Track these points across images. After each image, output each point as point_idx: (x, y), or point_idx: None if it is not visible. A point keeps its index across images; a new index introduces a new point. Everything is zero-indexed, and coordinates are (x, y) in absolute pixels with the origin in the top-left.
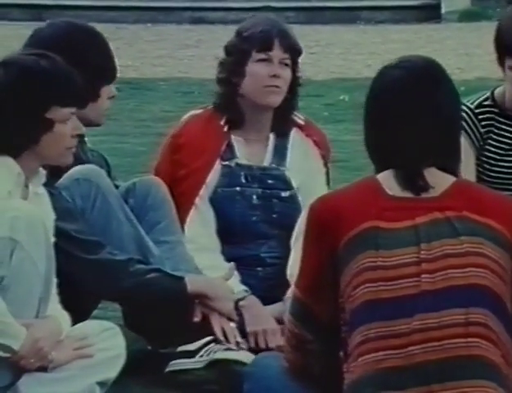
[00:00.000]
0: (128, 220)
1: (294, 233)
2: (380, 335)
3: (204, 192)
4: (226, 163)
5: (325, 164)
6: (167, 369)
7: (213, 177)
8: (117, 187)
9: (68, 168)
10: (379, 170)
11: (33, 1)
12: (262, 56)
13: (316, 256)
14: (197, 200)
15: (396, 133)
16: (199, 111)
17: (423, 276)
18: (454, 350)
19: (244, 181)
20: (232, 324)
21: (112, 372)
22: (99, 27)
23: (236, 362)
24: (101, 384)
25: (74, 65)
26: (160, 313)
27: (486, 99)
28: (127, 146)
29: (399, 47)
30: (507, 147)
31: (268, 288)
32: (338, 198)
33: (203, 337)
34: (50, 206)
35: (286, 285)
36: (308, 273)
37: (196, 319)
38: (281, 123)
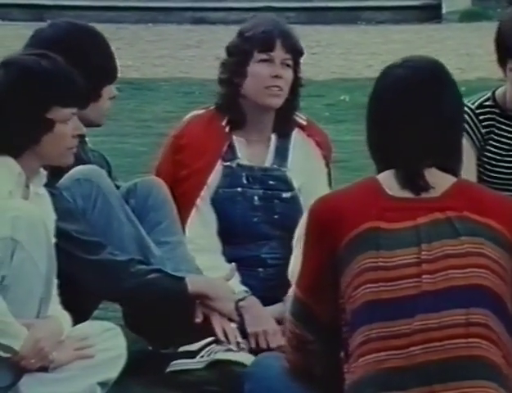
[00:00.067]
0: (129, 221)
1: (296, 234)
2: (381, 335)
3: (206, 193)
4: (228, 163)
5: (327, 165)
6: (168, 369)
7: (215, 177)
8: (118, 187)
9: (69, 168)
10: (380, 170)
11: (34, 1)
12: (264, 56)
13: (316, 257)
14: (198, 200)
15: (398, 133)
16: (200, 112)
17: (423, 276)
18: (455, 351)
19: (245, 182)
20: (233, 325)
21: (113, 373)
22: (100, 27)
23: (236, 363)
24: (101, 384)
25: (75, 66)
26: (161, 314)
27: (487, 99)
28: (127, 147)
29: (400, 48)
30: (508, 148)
31: (269, 289)
32: (338, 198)
33: (204, 338)
34: (51, 207)
35: (287, 286)
36: (309, 274)
37: (198, 320)
38: (283, 123)
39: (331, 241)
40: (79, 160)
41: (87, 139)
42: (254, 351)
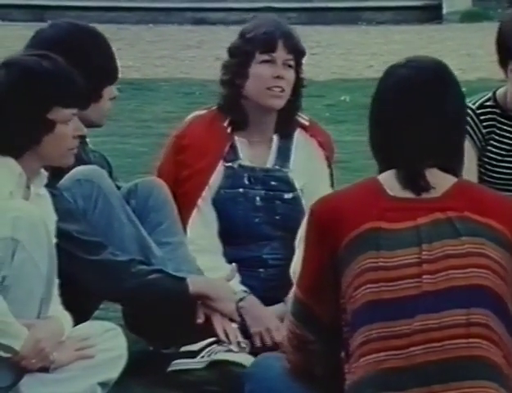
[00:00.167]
0: (130, 221)
1: (299, 234)
2: (382, 335)
3: (207, 194)
4: (230, 164)
5: (329, 166)
6: (168, 369)
7: (216, 178)
8: (119, 187)
9: (69, 169)
10: (382, 170)
11: (35, 1)
12: (266, 57)
13: (317, 257)
14: (199, 201)
15: (401, 133)
16: (202, 112)
17: (424, 277)
18: (455, 351)
19: (247, 182)
20: (234, 325)
21: (114, 373)
22: (100, 28)
23: (236, 364)
24: (102, 384)
25: (76, 66)
26: (162, 314)
27: (488, 100)
28: (128, 147)
29: (401, 48)
30: (509, 148)
31: (269, 289)
32: (339, 199)
33: (205, 338)
34: (51, 207)
35: (288, 286)
36: (309, 274)
37: (199, 321)
38: (285, 124)
39: (332, 242)
40: (80, 161)
41: (87, 140)
42: (256, 352)
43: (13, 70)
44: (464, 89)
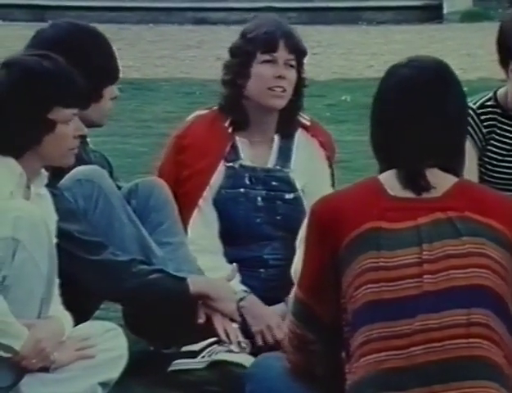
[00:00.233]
0: (131, 221)
1: (300, 234)
2: (382, 335)
3: (208, 194)
4: (231, 164)
5: (331, 166)
6: (169, 369)
7: (217, 178)
8: (119, 187)
9: (70, 168)
10: (383, 170)
11: (35, 1)
12: (267, 57)
13: (317, 257)
14: (200, 201)
15: (402, 133)
16: (204, 112)
17: (425, 277)
18: (456, 351)
19: (248, 182)
20: (235, 325)
21: (114, 373)
22: (101, 28)
23: (236, 364)
24: (103, 384)
25: (77, 66)
26: (163, 314)
27: (488, 99)
28: (128, 147)
29: (401, 48)
30: (509, 148)
31: (270, 289)
32: (339, 199)
33: (206, 338)
34: (52, 207)
35: (288, 286)
36: (310, 274)
37: (200, 321)
38: (286, 124)
39: (332, 242)
40: (81, 161)
41: (88, 140)
42: (258, 351)
43: (14, 70)
44: (464, 89)
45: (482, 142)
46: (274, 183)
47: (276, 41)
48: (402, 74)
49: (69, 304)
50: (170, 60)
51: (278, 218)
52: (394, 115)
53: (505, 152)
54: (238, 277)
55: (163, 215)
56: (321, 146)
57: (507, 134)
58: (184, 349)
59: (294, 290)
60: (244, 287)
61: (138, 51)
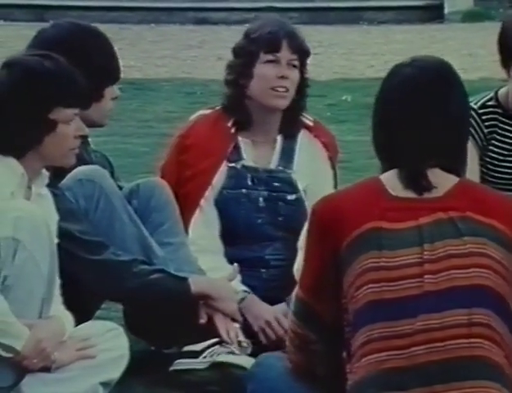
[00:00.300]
0: (132, 221)
1: (302, 235)
2: (383, 335)
3: (210, 194)
4: (233, 165)
5: (333, 167)
6: (171, 368)
7: (219, 178)
8: (120, 188)
9: (71, 169)
10: (385, 169)
11: (36, 1)
12: (270, 57)
13: (318, 257)
14: (202, 201)
15: (404, 133)
16: (207, 112)
17: (426, 276)
18: (457, 351)
19: (250, 183)
20: (236, 325)
21: (115, 373)
22: (102, 27)
23: (237, 366)
24: (104, 384)
25: (78, 66)
26: (164, 314)
27: (489, 99)
28: (129, 147)
29: (402, 48)
30: (510, 148)
31: (271, 289)
32: (340, 199)
33: (207, 338)
34: (53, 207)
35: (289, 287)
36: (311, 274)
37: (202, 321)
38: (289, 124)
39: (333, 241)
40: (82, 161)
41: (89, 140)
42: (260, 351)
43: (15, 70)
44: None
45: (484, 142)
46: (276, 184)
47: (279, 41)
48: (405, 73)
49: (70, 304)
50: (171, 60)
51: (280, 219)
52: (397, 114)
53: (506, 152)
54: (239, 278)
55: (164, 216)
56: (324, 147)
57: (508, 134)
58: (186, 349)
59: (296, 289)
60: (244, 287)
61: (139, 51)
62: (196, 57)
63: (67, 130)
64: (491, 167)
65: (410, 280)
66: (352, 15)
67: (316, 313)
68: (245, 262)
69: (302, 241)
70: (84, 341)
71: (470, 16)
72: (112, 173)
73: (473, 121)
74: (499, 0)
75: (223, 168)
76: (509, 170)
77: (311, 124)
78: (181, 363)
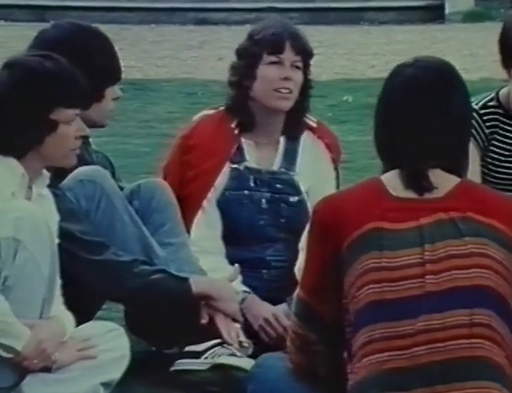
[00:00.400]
0: (133, 221)
1: (304, 236)
2: (385, 336)
3: (212, 195)
4: (236, 166)
5: (336, 168)
6: (172, 368)
7: (222, 179)
8: (121, 188)
9: (72, 169)
10: (387, 169)
11: (37, 2)
12: (274, 58)
13: (319, 257)
14: (205, 202)
15: (406, 133)
16: (210, 112)
17: (427, 277)
18: (458, 351)
19: (252, 185)
20: (237, 325)
21: (116, 373)
22: (103, 28)
23: (238, 368)
24: (105, 385)
25: (79, 66)
26: (165, 315)
27: (491, 100)
28: (130, 147)
29: (403, 48)
30: (511, 148)
31: (272, 290)
32: (341, 199)
33: (208, 339)
34: (54, 208)
35: (290, 287)
36: (312, 274)
37: (204, 321)
38: (293, 126)
39: (334, 242)
40: (83, 161)
41: (90, 140)
42: (261, 352)
43: (16, 71)
44: None
45: (485, 142)
46: (279, 186)
47: (283, 42)
48: (408, 74)
49: (71, 304)
50: (172, 60)
51: (282, 220)
52: (399, 114)
53: (507, 153)
54: (240, 278)
55: (166, 216)
56: (327, 148)
57: (509, 134)
58: (187, 349)
59: (297, 290)
60: (245, 288)
61: (140, 51)
62: (197, 58)
63: (68, 131)
64: (492, 167)
65: (412, 280)
66: (352, 16)
67: (317, 313)
68: (247, 263)
69: (303, 242)
70: (85, 341)
71: (471, 17)
72: (113, 174)
73: (474, 122)
74: (500, 0)
75: (226, 169)
76: (509, 171)
77: (314, 125)
78: (182, 364)
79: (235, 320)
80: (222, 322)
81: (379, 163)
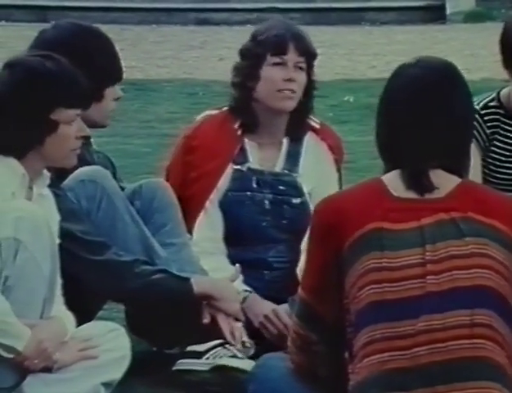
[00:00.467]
0: (134, 222)
1: (306, 237)
2: (386, 336)
3: (215, 196)
4: (238, 167)
5: (338, 170)
6: (173, 368)
7: (224, 180)
8: (123, 188)
9: (73, 169)
10: (388, 170)
11: (37, 2)
12: (277, 59)
13: (320, 257)
14: (207, 203)
15: (409, 133)
16: (214, 112)
17: (428, 277)
18: (459, 352)
19: (255, 186)
20: (239, 324)
21: (117, 373)
22: (103, 28)
23: (239, 370)
24: (106, 385)
25: (80, 67)
26: (166, 315)
27: (491, 100)
28: (131, 148)
29: (404, 48)
30: None
31: (273, 291)
32: (342, 199)
33: (210, 339)
34: (55, 208)
35: (292, 288)
36: (313, 274)
37: (205, 321)
38: (296, 127)
39: (335, 242)
40: (84, 162)
41: (91, 140)
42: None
43: (17, 71)
44: None
45: (486, 142)
46: (281, 188)
47: (286, 43)
48: (411, 74)
49: (71, 304)
50: (173, 60)
51: (284, 222)
52: (401, 114)
53: (508, 153)
54: (241, 278)
55: (167, 216)
56: (330, 150)
57: (510, 135)
58: (189, 348)
59: (298, 290)
60: (246, 287)
61: (141, 51)
62: (198, 58)
63: (68, 131)
64: (493, 168)
65: (413, 281)
66: (353, 16)
67: (318, 313)
68: (248, 263)
69: (305, 243)
70: (86, 341)
71: (472, 17)
72: (114, 174)
73: (475, 122)
74: (501, 0)
75: (229, 170)
76: (510, 171)
77: (317, 126)
78: (184, 364)
79: (236, 319)
80: (223, 322)
81: (380, 163)
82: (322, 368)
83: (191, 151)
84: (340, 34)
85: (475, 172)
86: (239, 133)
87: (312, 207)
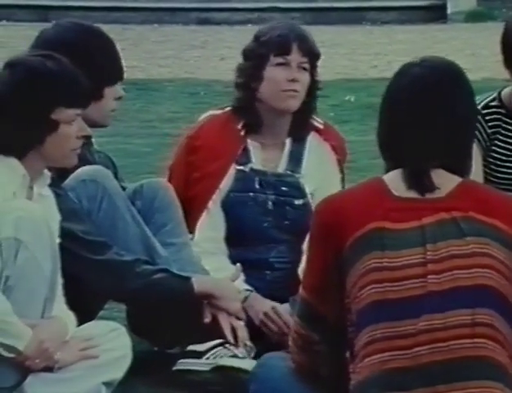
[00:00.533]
0: (135, 221)
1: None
2: (387, 335)
3: (217, 197)
4: (241, 168)
5: (341, 170)
6: (174, 367)
7: (227, 181)
8: (124, 188)
9: (74, 169)
10: (389, 169)
11: (39, 2)
12: (280, 60)
13: (321, 257)
14: (210, 204)
15: (411, 132)
16: (217, 112)
17: (429, 277)
18: (460, 351)
19: (257, 187)
20: (242, 323)
21: (118, 373)
22: (105, 28)
23: (240, 370)
24: (107, 384)
25: (81, 66)
26: (167, 314)
27: (493, 100)
28: (132, 147)
29: (405, 48)
30: None
31: (275, 291)
32: (343, 199)
33: (211, 338)
34: (55, 207)
35: (293, 288)
36: (314, 274)
37: (207, 320)
38: (299, 127)
39: (336, 242)
40: (85, 161)
41: (93, 140)
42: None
43: (17, 70)
44: None
45: (487, 142)
46: (284, 188)
47: (290, 44)
48: (414, 73)
49: (72, 304)
50: (174, 60)
51: (286, 222)
52: (404, 114)
53: (509, 152)
54: (242, 277)
55: (168, 216)
56: (333, 151)
57: (511, 134)
58: (190, 348)
59: (299, 290)
60: (247, 286)
61: (142, 51)
62: (199, 57)
63: (69, 130)
64: (494, 167)
65: (414, 280)
66: (354, 16)
67: (320, 313)
68: (250, 264)
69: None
70: (87, 341)
71: (473, 16)
72: (115, 174)
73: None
74: (502, 0)
75: (231, 171)
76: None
77: (321, 126)
78: (184, 364)
79: (238, 318)
80: (225, 321)
81: (381, 163)
82: (323, 367)
83: (194, 151)
84: (341, 34)
85: (476, 171)
86: (242, 133)
87: (313, 208)
